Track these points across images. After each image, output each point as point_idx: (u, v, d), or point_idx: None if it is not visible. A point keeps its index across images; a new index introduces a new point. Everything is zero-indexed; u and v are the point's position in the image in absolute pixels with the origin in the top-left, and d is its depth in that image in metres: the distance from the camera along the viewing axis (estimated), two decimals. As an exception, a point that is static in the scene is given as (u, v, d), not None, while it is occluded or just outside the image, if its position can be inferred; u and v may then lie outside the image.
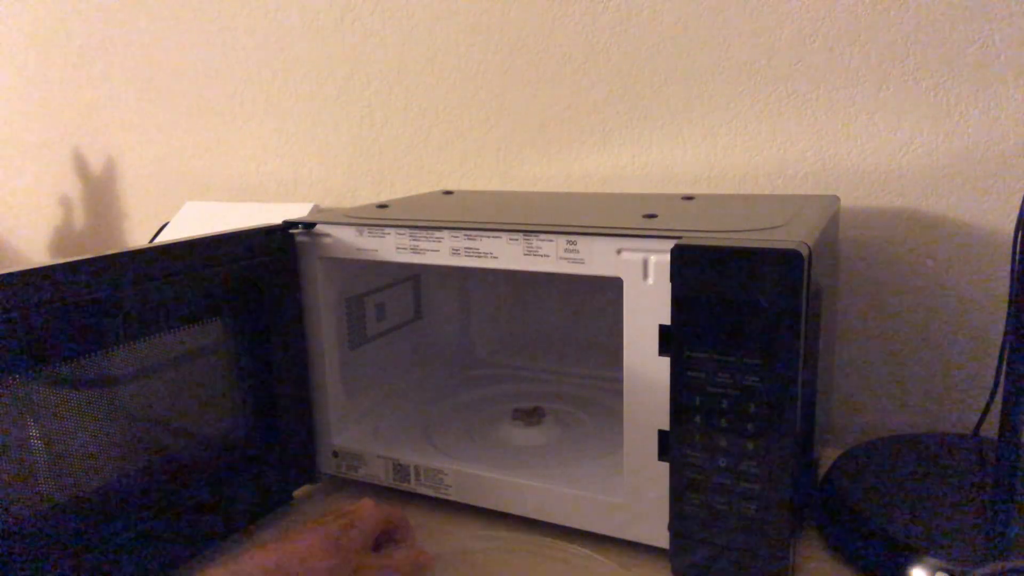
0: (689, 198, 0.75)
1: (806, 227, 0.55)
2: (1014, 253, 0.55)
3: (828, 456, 0.68)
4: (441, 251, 0.62)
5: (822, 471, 0.66)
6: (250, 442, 0.66)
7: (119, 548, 0.53)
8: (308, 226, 0.67)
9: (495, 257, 0.60)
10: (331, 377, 0.70)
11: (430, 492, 0.66)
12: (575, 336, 0.91)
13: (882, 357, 0.79)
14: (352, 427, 0.73)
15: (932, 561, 0.51)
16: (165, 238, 0.87)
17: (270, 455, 0.67)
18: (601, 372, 0.86)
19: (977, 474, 0.63)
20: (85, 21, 1.21)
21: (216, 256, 0.60)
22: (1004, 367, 0.57)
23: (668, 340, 0.53)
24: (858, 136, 0.76)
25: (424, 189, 0.99)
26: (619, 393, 0.57)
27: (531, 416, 0.75)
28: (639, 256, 0.54)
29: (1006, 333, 0.57)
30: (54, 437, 0.50)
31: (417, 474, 0.67)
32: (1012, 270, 0.55)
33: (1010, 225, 0.72)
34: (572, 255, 0.57)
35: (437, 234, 0.61)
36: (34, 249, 1.40)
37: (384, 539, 0.56)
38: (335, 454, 0.70)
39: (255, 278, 0.64)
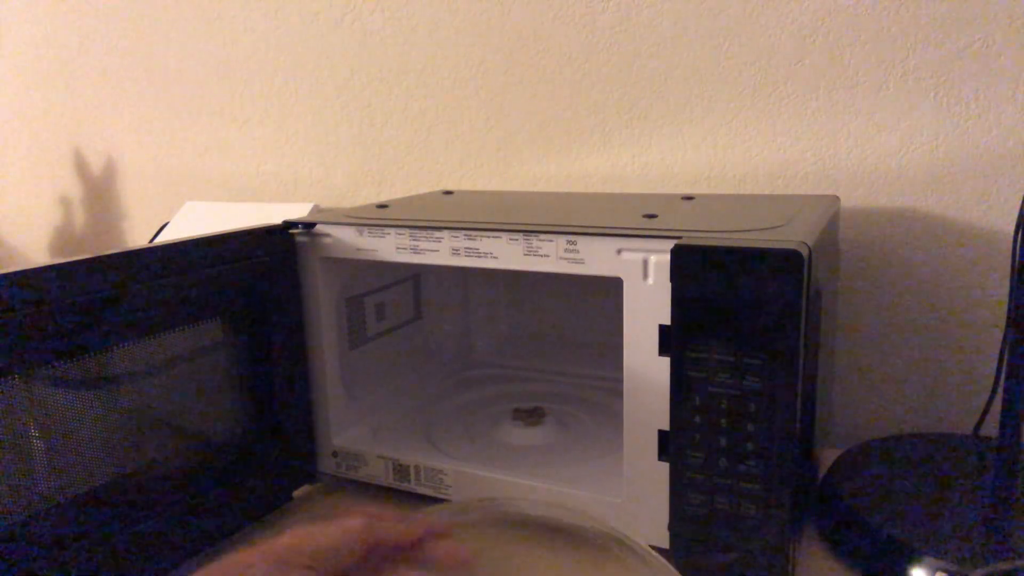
0: (689, 198, 0.75)
1: (806, 227, 0.55)
2: (1014, 253, 0.55)
3: (828, 456, 0.68)
4: (441, 251, 0.62)
5: (822, 471, 0.66)
6: (250, 442, 0.66)
7: (119, 548, 0.53)
8: (308, 226, 0.67)
9: (495, 257, 0.60)
10: (331, 377, 0.70)
11: (430, 492, 0.66)
12: (575, 336, 0.91)
13: (882, 357, 0.79)
14: (352, 427, 0.73)
15: (932, 561, 0.51)
16: (165, 238, 0.87)
17: (270, 455, 0.67)
18: (601, 372, 0.86)
19: (977, 474, 0.63)
20: (85, 21, 1.21)
21: (216, 256, 0.60)
22: (1004, 367, 0.57)
23: (668, 340, 0.53)
24: (858, 136, 0.76)
25: (424, 189, 0.99)
26: (619, 393, 0.57)
27: (531, 416, 0.75)
28: (639, 256, 0.54)
29: (1006, 333, 0.57)
30: (54, 437, 0.50)
31: (417, 474, 0.67)
32: (1012, 270, 0.55)
33: (1010, 225, 0.72)
34: (572, 255, 0.57)
35: (437, 234, 0.61)
36: (34, 249, 1.40)
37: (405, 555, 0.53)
38: (335, 454, 0.70)
39: (255, 278, 0.64)
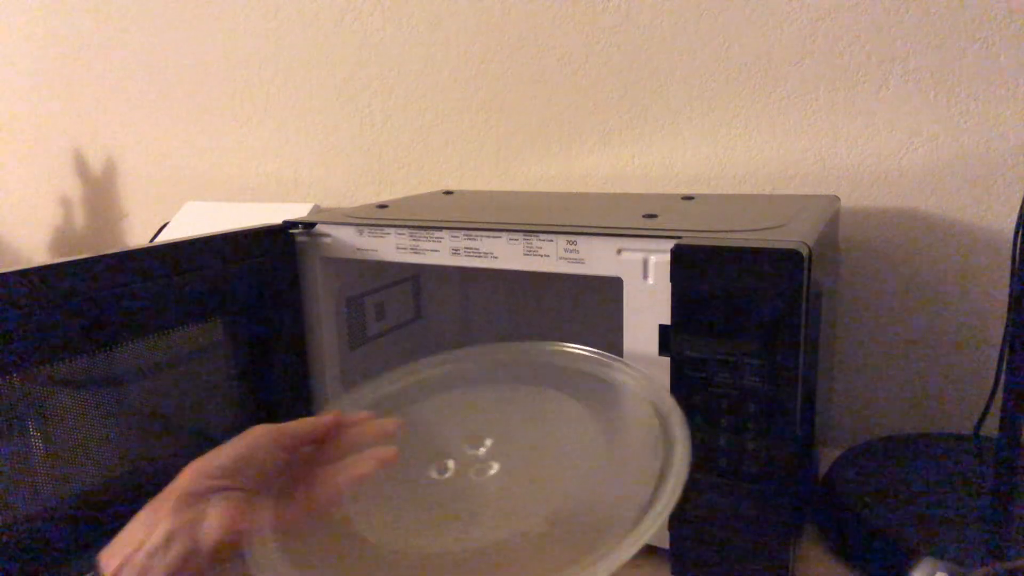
0: (689, 198, 0.75)
1: (806, 227, 0.55)
2: (1014, 253, 0.55)
3: (828, 456, 0.68)
4: (441, 251, 0.62)
5: (822, 471, 0.66)
6: (250, 442, 0.66)
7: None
8: (308, 226, 0.67)
9: (495, 257, 0.60)
10: (331, 377, 0.70)
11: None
12: (575, 336, 0.91)
13: (882, 357, 0.79)
14: (352, 427, 0.73)
15: (932, 561, 0.51)
16: (165, 238, 0.86)
17: (270, 455, 0.67)
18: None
19: (977, 474, 0.63)
20: (85, 21, 1.21)
21: (216, 256, 0.60)
22: (1004, 367, 0.57)
23: (668, 340, 0.53)
24: (858, 136, 0.76)
25: (424, 189, 0.99)
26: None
27: None
28: (639, 256, 0.54)
29: (1006, 333, 0.57)
30: (54, 436, 0.50)
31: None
32: (1012, 270, 0.55)
33: (1010, 225, 0.72)
34: (572, 255, 0.57)
35: (437, 234, 0.61)
36: (34, 249, 1.40)
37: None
38: (335, 454, 0.70)
39: (255, 278, 0.64)
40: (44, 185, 1.34)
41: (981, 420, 0.67)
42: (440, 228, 0.61)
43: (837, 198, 0.73)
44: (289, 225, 0.67)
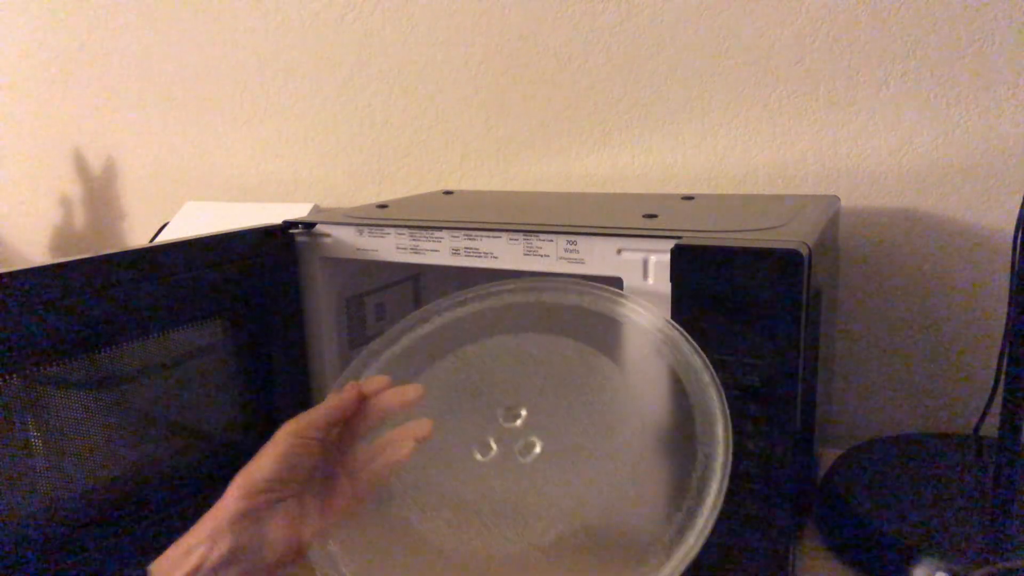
0: (689, 198, 0.75)
1: (806, 227, 0.55)
2: (1014, 253, 0.55)
3: (828, 456, 0.68)
4: (441, 251, 0.62)
5: (822, 471, 0.66)
6: (250, 442, 0.66)
7: (118, 547, 0.53)
8: (308, 226, 0.67)
9: (495, 257, 0.60)
10: (331, 377, 0.69)
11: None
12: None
13: (882, 357, 0.79)
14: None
15: (932, 561, 0.51)
16: (165, 238, 0.86)
17: (270, 455, 0.66)
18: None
19: (977, 474, 0.63)
20: (85, 21, 1.21)
21: (216, 256, 0.60)
22: (1004, 367, 0.57)
23: (668, 340, 0.53)
24: (858, 136, 0.76)
25: (424, 189, 0.99)
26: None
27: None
28: (639, 256, 0.54)
29: (1006, 333, 0.57)
30: (54, 436, 0.50)
31: (417, 474, 0.67)
32: (1012, 270, 0.55)
33: (1010, 225, 0.72)
34: (572, 255, 0.57)
35: (437, 234, 0.61)
36: (34, 249, 1.40)
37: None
38: (335, 454, 0.70)
39: (255, 278, 0.64)
40: (44, 185, 1.34)
41: (981, 420, 0.67)
42: (440, 228, 0.61)
43: (837, 198, 0.73)
44: (289, 225, 0.67)
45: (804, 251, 0.47)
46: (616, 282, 0.55)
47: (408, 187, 1.01)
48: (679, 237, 0.52)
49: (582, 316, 0.51)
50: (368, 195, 1.04)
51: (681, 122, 0.84)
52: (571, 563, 0.43)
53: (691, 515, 0.39)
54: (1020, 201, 0.57)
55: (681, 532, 0.39)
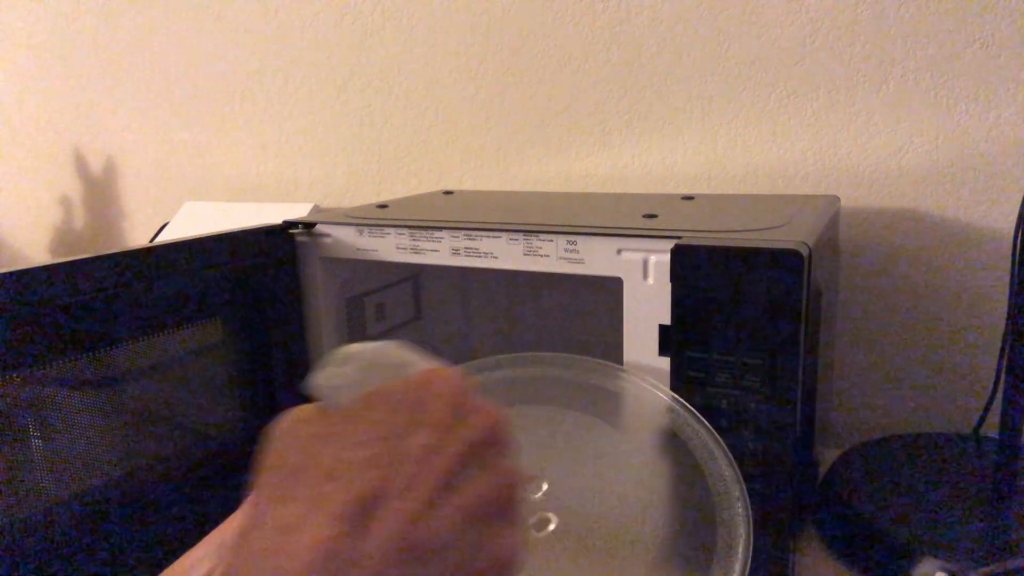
0: (689, 198, 0.75)
1: (806, 227, 0.55)
2: (1014, 253, 0.55)
3: (828, 456, 0.68)
4: (441, 251, 0.62)
5: (822, 471, 0.66)
6: (250, 442, 0.66)
7: (118, 547, 0.53)
8: (308, 226, 0.67)
9: (495, 257, 0.60)
10: (331, 377, 0.69)
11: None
12: (575, 336, 0.91)
13: (882, 357, 0.79)
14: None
15: (932, 561, 0.51)
16: (165, 238, 0.87)
17: (270, 455, 0.67)
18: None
19: (977, 474, 0.63)
20: (85, 21, 1.21)
21: (216, 256, 0.60)
22: (1004, 367, 0.57)
23: (668, 340, 0.53)
24: (858, 136, 0.76)
25: (424, 189, 0.99)
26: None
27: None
28: (639, 256, 0.54)
29: (1006, 333, 0.57)
30: (54, 436, 0.50)
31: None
32: (1012, 270, 0.55)
33: (1010, 225, 0.72)
34: (572, 255, 0.57)
35: (437, 234, 0.61)
36: (34, 249, 1.40)
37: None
38: (335, 454, 0.70)
39: (255, 278, 0.64)
40: (44, 185, 1.34)
41: (981, 420, 0.67)
42: (440, 228, 0.61)
43: (837, 198, 0.73)
44: (289, 225, 0.67)
45: (804, 251, 0.47)
46: (616, 282, 0.55)
47: (408, 187, 1.01)
48: (679, 237, 0.52)
49: (616, 400, 0.52)
50: (368, 195, 1.04)
51: (681, 122, 0.84)
52: None
53: None
54: (1020, 201, 0.57)
55: None
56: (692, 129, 0.83)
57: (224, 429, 0.64)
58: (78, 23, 1.22)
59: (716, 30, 0.80)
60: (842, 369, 0.80)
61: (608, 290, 0.84)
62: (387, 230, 0.64)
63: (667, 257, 0.51)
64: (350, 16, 0.99)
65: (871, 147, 0.76)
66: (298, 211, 0.95)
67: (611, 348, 0.57)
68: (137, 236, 1.27)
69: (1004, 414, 0.57)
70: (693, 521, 0.45)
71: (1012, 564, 0.48)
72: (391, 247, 0.64)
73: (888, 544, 0.54)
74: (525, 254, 0.58)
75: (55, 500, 0.50)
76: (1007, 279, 0.58)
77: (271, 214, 0.82)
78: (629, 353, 0.55)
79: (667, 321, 0.53)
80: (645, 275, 0.53)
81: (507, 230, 0.59)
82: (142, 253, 0.55)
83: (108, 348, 0.53)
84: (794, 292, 0.48)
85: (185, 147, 1.17)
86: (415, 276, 0.86)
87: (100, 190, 1.28)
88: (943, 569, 0.50)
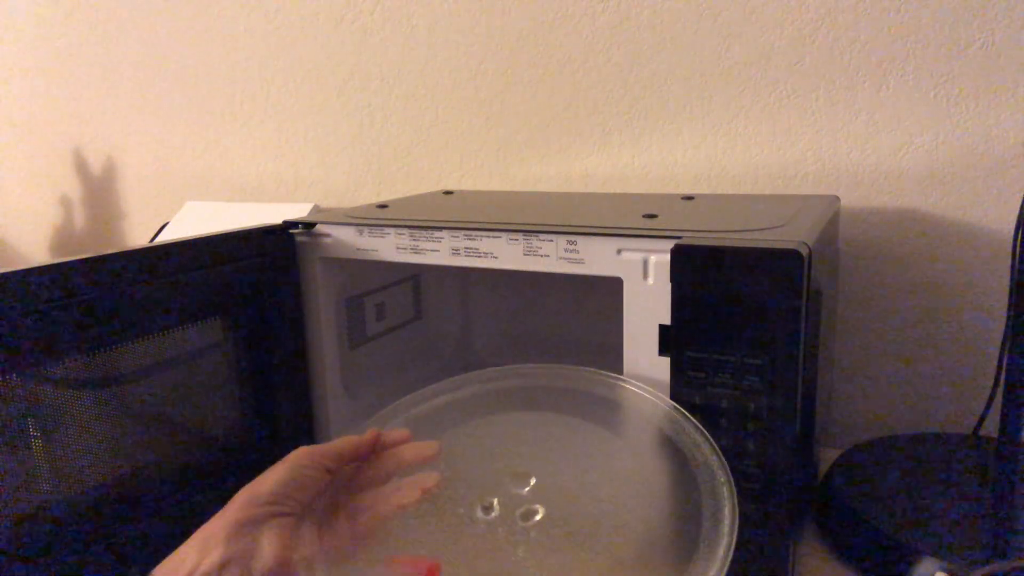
0: (689, 198, 0.75)
1: (806, 227, 0.55)
2: (1014, 253, 0.55)
3: (828, 456, 0.68)
4: (441, 251, 0.62)
5: (822, 471, 0.66)
6: (250, 442, 0.66)
7: (119, 548, 0.53)
8: (308, 226, 0.67)
9: (495, 257, 0.60)
10: (331, 377, 0.70)
11: (430, 492, 0.66)
12: (575, 336, 0.91)
13: (882, 357, 0.79)
14: (352, 427, 0.73)
15: (932, 561, 0.51)
16: (165, 238, 0.86)
17: (270, 455, 0.66)
18: (601, 372, 0.86)
19: (977, 474, 0.63)
20: (85, 21, 1.21)
21: (216, 256, 0.60)
22: (1004, 367, 0.57)
23: (668, 340, 0.53)
24: (858, 136, 0.76)
25: (424, 189, 0.99)
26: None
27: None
28: (639, 256, 0.54)
29: (1006, 333, 0.57)
30: (54, 436, 0.50)
31: (417, 474, 0.67)
32: (1012, 270, 0.55)
33: (1010, 225, 0.72)
34: (572, 255, 0.57)
35: (437, 234, 0.61)
36: (34, 249, 1.40)
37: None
38: (335, 454, 0.70)
39: (255, 278, 0.64)
40: (44, 185, 1.34)
41: (981, 420, 0.67)
42: (440, 228, 0.61)
43: (837, 198, 0.73)
44: (289, 225, 0.67)
45: (804, 251, 0.47)
46: (616, 282, 0.55)
47: (408, 187, 1.01)
48: (679, 237, 0.52)
49: (603, 404, 0.53)
50: (368, 195, 1.04)
51: (681, 122, 0.84)
52: None
53: None
54: (1020, 201, 0.57)
55: None
56: (692, 129, 0.83)
57: (224, 429, 0.64)
58: (78, 23, 1.22)
59: (716, 30, 0.80)
60: (842, 369, 0.80)
61: (608, 290, 0.84)
62: (387, 230, 0.64)
63: (667, 257, 0.51)
64: (350, 16, 0.99)
65: (871, 147, 0.76)
66: (298, 211, 0.95)
67: (611, 348, 0.57)
68: (137, 236, 1.27)
69: (1004, 414, 0.57)
70: (680, 509, 0.45)
71: (1012, 564, 0.48)
72: (391, 247, 0.64)
73: (888, 544, 0.54)
74: (525, 254, 0.58)
75: (55, 500, 0.50)
76: (1007, 279, 0.58)
77: (271, 214, 0.82)
78: (629, 353, 0.55)
79: (667, 321, 0.53)
80: (645, 275, 0.53)
81: (507, 230, 0.59)
82: (142, 253, 0.55)
83: (108, 348, 0.53)
84: (794, 292, 0.48)
85: (185, 147, 1.17)
86: (415, 276, 0.86)
87: (100, 190, 1.28)
88: (943, 569, 0.50)
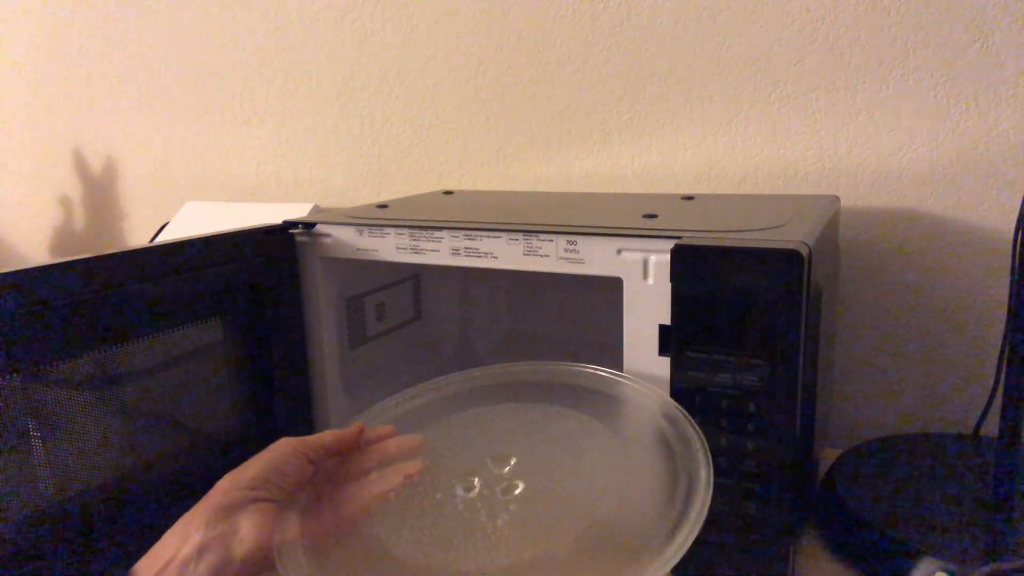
0: (689, 198, 0.75)
1: (806, 227, 0.55)
2: (1014, 253, 0.55)
3: (828, 456, 0.68)
4: (441, 251, 0.62)
5: (822, 471, 0.66)
6: (250, 442, 0.66)
7: (118, 548, 0.53)
8: (308, 226, 0.67)
9: (495, 257, 0.60)
10: (331, 377, 0.70)
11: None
12: (575, 336, 0.91)
13: (882, 357, 0.79)
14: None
15: (932, 561, 0.51)
16: (165, 238, 0.86)
17: (270, 455, 0.67)
18: (601, 372, 0.86)
19: (977, 474, 0.63)
20: (85, 21, 1.21)
21: (216, 256, 0.60)
22: (1004, 367, 0.57)
23: (668, 340, 0.53)
24: (858, 136, 0.76)
25: (424, 189, 0.99)
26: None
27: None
28: (639, 256, 0.54)
29: (1006, 333, 0.57)
30: (54, 437, 0.50)
31: (417, 474, 0.67)
32: (1012, 270, 0.55)
33: (1010, 225, 0.72)
34: (572, 255, 0.57)
35: (437, 234, 0.61)
36: (34, 249, 1.40)
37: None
38: (335, 454, 0.70)
39: (255, 278, 0.64)
40: (44, 185, 1.34)
41: (981, 420, 0.67)
42: (440, 228, 0.61)
43: (837, 198, 0.73)
44: (289, 225, 0.67)
45: (804, 251, 0.47)
46: (616, 282, 0.55)
47: (408, 187, 1.01)
48: (679, 237, 0.52)
49: (590, 395, 0.54)
50: (368, 195, 1.04)
51: (681, 122, 0.84)
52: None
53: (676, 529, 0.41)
54: (1020, 201, 0.57)
55: (667, 539, 0.40)
56: (692, 129, 0.83)
57: (224, 429, 0.64)
58: (78, 23, 1.22)
59: (716, 30, 0.80)
60: (842, 369, 0.80)
61: (608, 290, 0.84)
62: (387, 230, 0.64)
63: (667, 257, 0.51)
64: (350, 16, 0.99)
65: (871, 147, 0.76)
66: (298, 211, 0.95)
67: (611, 348, 0.57)
68: (137, 236, 1.27)
69: (1004, 414, 0.57)
70: (658, 482, 0.46)
71: (1012, 564, 0.48)
72: (391, 247, 0.64)
73: (888, 544, 0.54)
74: (525, 254, 0.58)
75: (55, 499, 0.50)
76: (1007, 279, 0.58)
77: (271, 214, 0.82)
78: (629, 353, 0.55)
79: (667, 321, 0.53)
80: (645, 275, 0.53)
81: (507, 230, 0.59)
82: (142, 253, 0.55)
83: (108, 348, 0.53)
84: (794, 292, 0.48)
85: (185, 147, 1.17)
86: (415, 276, 0.86)
87: (100, 190, 1.28)
88: (943, 569, 0.50)
